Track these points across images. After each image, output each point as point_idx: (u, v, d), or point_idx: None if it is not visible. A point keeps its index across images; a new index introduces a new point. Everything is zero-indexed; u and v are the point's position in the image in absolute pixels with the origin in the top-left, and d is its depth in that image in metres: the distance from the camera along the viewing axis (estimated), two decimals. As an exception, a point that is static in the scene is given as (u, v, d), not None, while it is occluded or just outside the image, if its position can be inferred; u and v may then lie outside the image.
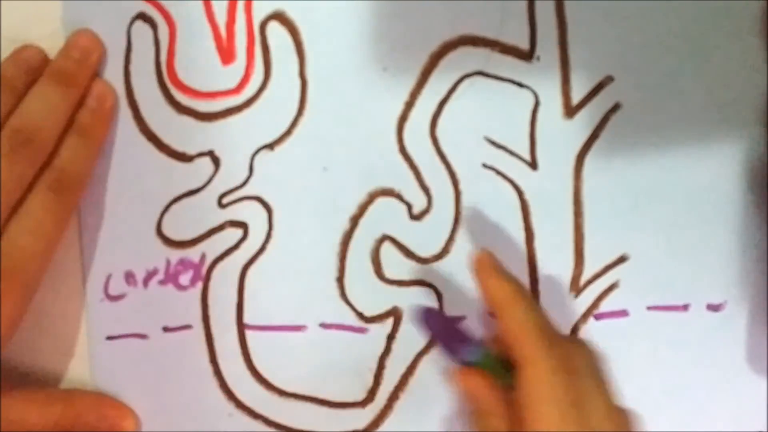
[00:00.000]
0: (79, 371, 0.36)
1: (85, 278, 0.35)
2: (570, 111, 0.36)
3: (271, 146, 0.35)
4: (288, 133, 0.35)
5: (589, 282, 0.37)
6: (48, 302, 0.35)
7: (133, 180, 0.35)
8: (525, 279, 0.37)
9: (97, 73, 0.34)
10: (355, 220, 0.36)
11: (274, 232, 0.36)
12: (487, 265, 0.33)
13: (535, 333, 0.31)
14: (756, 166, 0.37)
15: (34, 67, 0.34)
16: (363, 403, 0.36)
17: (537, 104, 0.36)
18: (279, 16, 0.35)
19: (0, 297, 0.31)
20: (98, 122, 0.34)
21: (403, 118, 0.36)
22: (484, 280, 0.33)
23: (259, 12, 0.35)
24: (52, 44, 0.34)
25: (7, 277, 0.31)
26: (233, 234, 0.36)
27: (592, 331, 0.37)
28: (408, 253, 0.36)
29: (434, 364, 0.36)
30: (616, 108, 0.36)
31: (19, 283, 0.32)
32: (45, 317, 0.35)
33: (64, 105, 0.33)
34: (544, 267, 0.37)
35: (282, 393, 0.36)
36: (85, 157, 0.34)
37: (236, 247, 0.36)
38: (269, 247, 0.36)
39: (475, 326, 0.36)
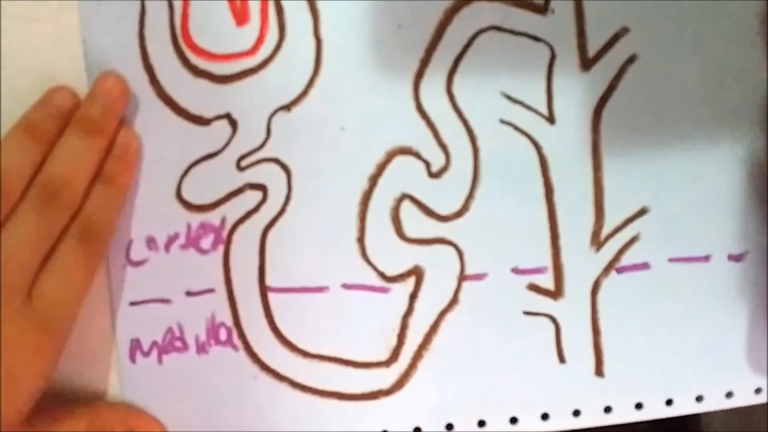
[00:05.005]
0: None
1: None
2: (586, 63, 0.36)
3: (287, 107, 0.35)
4: (304, 93, 0.35)
5: (610, 236, 0.37)
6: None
7: (151, 145, 0.35)
8: (545, 234, 0.37)
9: (123, 119, 0.35)
10: (373, 180, 0.36)
11: (294, 194, 0.36)
12: None
13: None
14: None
15: (64, 112, 0.34)
16: (387, 363, 0.36)
17: (553, 58, 0.36)
18: (292, -24, 0.35)
19: (34, 351, 0.31)
20: (123, 170, 0.34)
21: (419, 76, 0.35)
22: None
23: (272, -28, 0.35)
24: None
25: (40, 331, 0.32)
26: (253, 196, 0.36)
27: (614, 285, 0.37)
28: (428, 212, 0.36)
29: (458, 321, 0.36)
30: (632, 59, 0.36)
31: (52, 335, 0.32)
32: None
33: (92, 155, 0.33)
34: (564, 222, 0.36)
35: (306, 354, 0.36)
36: (112, 206, 0.34)
37: (256, 209, 0.36)
38: (289, 208, 0.36)
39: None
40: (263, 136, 0.35)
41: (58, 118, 0.34)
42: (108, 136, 0.34)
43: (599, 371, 0.37)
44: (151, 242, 0.35)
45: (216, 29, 0.35)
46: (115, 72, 0.34)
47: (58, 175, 0.33)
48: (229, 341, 0.36)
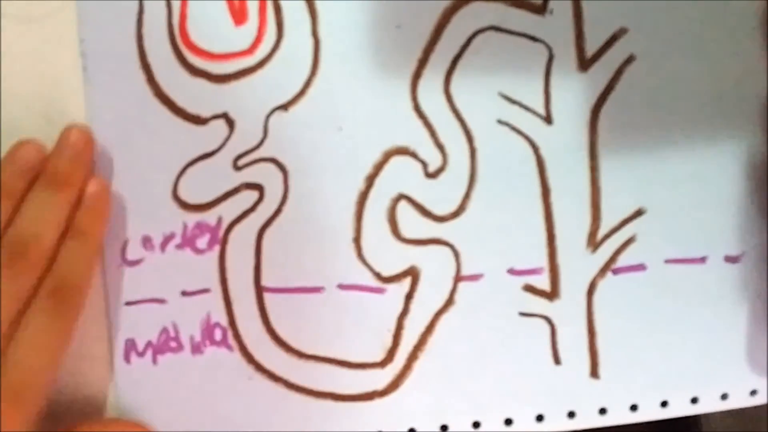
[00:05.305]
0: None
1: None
2: (584, 64, 0.36)
3: (285, 107, 0.35)
4: (301, 93, 0.35)
5: (607, 236, 0.37)
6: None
7: (147, 144, 0.35)
8: (542, 235, 0.36)
9: (91, 170, 0.34)
10: (370, 180, 0.36)
11: (290, 194, 0.36)
12: None
13: None
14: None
15: (31, 167, 0.33)
16: (382, 364, 0.36)
17: (551, 58, 0.36)
18: (290, -25, 0.35)
19: (4, 424, 0.29)
20: (95, 223, 0.34)
21: (416, 76, 0.35)
22: None
23: (270, -29, 0.35)
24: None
25: (10, 402, 0.30)
26: (249, 196, 0.35)
27: (610, 286, 0.37)
28: (424, 212, 0.36)
29: (453, 322, 0.36)
30: (630, 60, 0.36)
31: (23, 406, 0.30)
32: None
33: (60, 209, 0.33)
34: (560, 222, 0.36)
35: (301, 355, 0.36)
36: (85, 261, 0.33)
37: (252, 209, 0.36)
38: (285, 208, 0.36)
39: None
40: (260, 135, 0.35)
41: (25, 173, 0.33)
42: (76, 188, 0.33)
43: (594, 373, 0.37)
44: (146, 242, 0.35)
45: (214, 29, 0.35)
46: (80, 123, 0.34)
47: (26, 231, 0.32)
48: (224, 342, 0.36)
